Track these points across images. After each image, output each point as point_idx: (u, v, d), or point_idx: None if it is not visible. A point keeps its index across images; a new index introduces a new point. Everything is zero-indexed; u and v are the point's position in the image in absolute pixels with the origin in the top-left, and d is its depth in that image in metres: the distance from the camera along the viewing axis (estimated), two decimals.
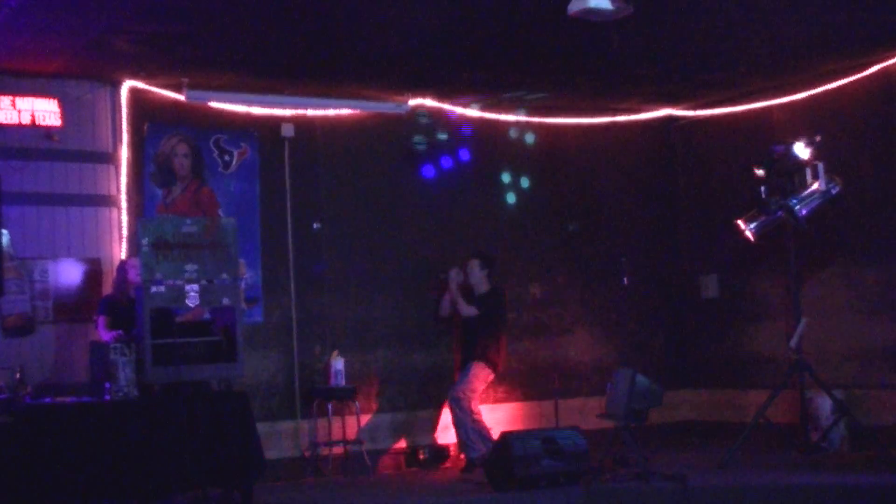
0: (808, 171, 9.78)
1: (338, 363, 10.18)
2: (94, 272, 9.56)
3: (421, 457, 10.67)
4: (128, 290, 9.00)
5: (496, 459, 8.91)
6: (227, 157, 10.23)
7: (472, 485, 9.15)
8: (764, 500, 8.41)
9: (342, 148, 10.80)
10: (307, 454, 10.20)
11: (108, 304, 9.07)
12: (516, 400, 11.33)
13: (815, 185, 9.75)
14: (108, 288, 9.42)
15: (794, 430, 10.01)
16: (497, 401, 11.23)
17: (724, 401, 11.73)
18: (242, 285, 9.09)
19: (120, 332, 8.51)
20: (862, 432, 9.74)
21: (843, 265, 10.72)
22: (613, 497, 8.70)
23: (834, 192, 9.82)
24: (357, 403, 10.20)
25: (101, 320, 8.98)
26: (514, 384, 11.34)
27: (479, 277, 10.41)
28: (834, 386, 9.93)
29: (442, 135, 11.03)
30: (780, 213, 9.81)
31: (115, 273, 9.32)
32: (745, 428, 9.76)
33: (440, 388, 10.53)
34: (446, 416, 10.36)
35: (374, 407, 10.65)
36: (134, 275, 8.91)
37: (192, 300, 8.44)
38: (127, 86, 9.76)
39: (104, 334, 8.85)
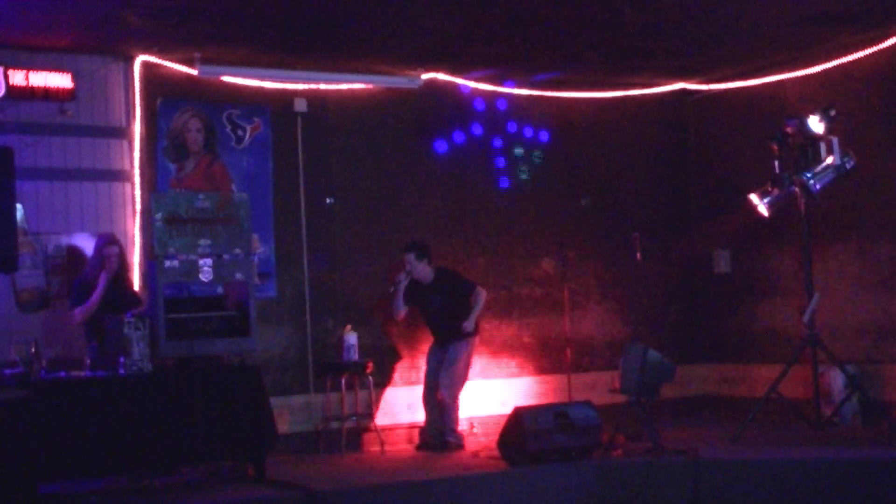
0: (822, 146, 9.71)
1: (350, 337, 10.18)
2: None
3: None
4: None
5: (509, 434, 8.94)
6: (239, 132, 10.24)
7: (485, 459, 9.18)
8: (776, 475, 8.43)
9: (355, 122, 10.79)
10: (319, 428, 10.24)
11: (82, 288, 8.96)
12: (529, 374, 11.36)
13: (829, 160, 9.69)
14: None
15: (806, 405, 10.01)
16: (510, 375, 11.26)
17: (736, 376, 11.74)
18: (255, 260, 9.11)
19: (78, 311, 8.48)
20: (874, 407, 9.74)
21: (856, 240, 10.69)
22: (625, 471, 8.73)
23: (848, 166, 9.75)
24: (370, 378, 10.22)
25: (79, 310, 8.93)
26: (527, 359, 11.37)
27: (422, 268, 10.15)
28: (846, 361, 9.94)
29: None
30: (793, 187, 9.76)
31: (92, 251, 9.18)
32: (757, 403, 9.77)
33: None
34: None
35: (387, 382, 10.68)
36: (110, 265, 8.83)
37: (205, 275, 8.47)
38: (140, 60, 9.76)
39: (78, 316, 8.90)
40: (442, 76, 10.88)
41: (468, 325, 10.03)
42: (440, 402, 10.02)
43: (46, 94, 9.37)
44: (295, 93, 10.47)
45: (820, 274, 10.38)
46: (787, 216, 10.22)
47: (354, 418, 10.27)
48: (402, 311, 10.30)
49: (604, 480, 8.70)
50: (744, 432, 9.47)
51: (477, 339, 10.30)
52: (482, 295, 10.19)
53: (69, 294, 9.13)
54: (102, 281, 8.86)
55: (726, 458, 8.79)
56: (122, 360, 8.22)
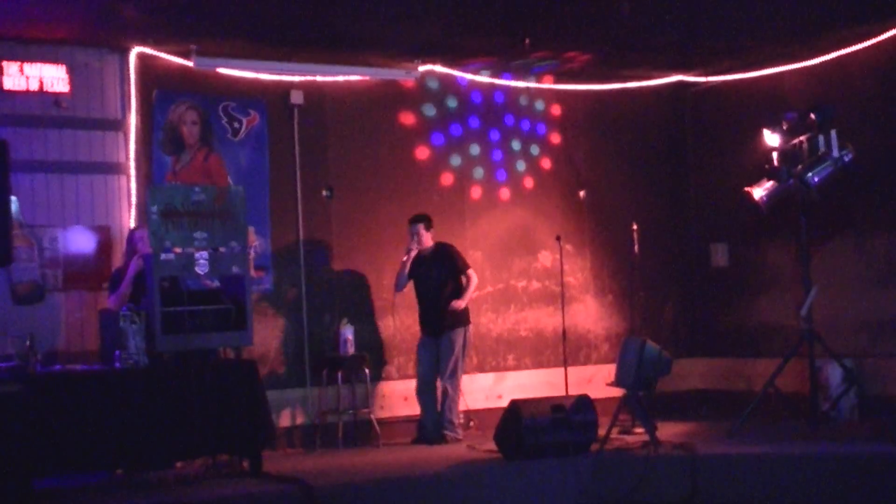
0: (821, 139, 9.70)
1: (347, 331, 10.18)
2: (103, 240, 9.57)
3: None
4: None
5: (506, 428, 8.92)
6: (235, 125, 10.20)
7: (482, 453, 9.17)
8: (773, 470, 8.42)
9: (351, 115, 10.76)
10: (316, 422, 10.22)
11: (117, 277, 9.05)
12: (526, 368, 11.34)
13: (828, 153, 9.67)
14: (117, 257, 9.41)
15: (803, 400, 9.98)
16: (507, 368, 11.25)
17: (733, 370, 11.72)
18: (252, 253, 9.07)
19: (130, 304, 8.49)
20: (871, 402, 9.74)
21: (854, 234, 10.68)
22: (622, 466, 8.72)
23: (846, 159, 9.72)
24: (367, 371, 10.21)
25: (113, 297, 8.95)
26: (524, 352, 11.35)
27: (427, 238, 10.22)
28: (844, 355, 9.91)
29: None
30: (791, 181, 9.73)
31: (124, 243, 9.30)
32: (754, 397, 9.76)
33: None
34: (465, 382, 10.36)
35: (384, 375, 10.66)
36: (143, 247, 8.90)
37: (201, 268, 8.43)
38: (135, 52, 9.71)
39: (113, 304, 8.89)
40: (439, 68, 10.85)
41: (459, 303, 10.04)
42: (444, 393, 10.03)
43: (41, 86, 9.35)
44: (291, 85, 10.43)
45: (818, 268, 10.35)
46: (785, 210, 10.18)
47: (351, 412, 10.26)
48: (406, 283, 10.32)
49: (600, 475, 8.69)
50: (741, 427, 9.46)
51: (470, 327, 10.29)
52: (474, 277, 10.24)
53: (109, 284, 9.14)
54: (132, 268, 8.85)
55: (723, 453, 8.78)
56: (117, 353, 8.20)
